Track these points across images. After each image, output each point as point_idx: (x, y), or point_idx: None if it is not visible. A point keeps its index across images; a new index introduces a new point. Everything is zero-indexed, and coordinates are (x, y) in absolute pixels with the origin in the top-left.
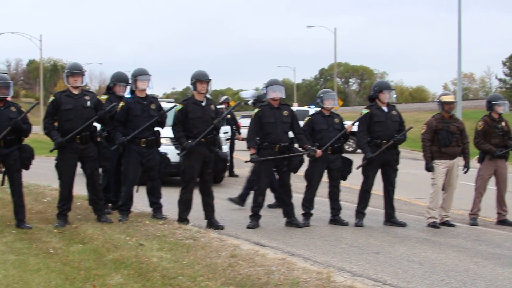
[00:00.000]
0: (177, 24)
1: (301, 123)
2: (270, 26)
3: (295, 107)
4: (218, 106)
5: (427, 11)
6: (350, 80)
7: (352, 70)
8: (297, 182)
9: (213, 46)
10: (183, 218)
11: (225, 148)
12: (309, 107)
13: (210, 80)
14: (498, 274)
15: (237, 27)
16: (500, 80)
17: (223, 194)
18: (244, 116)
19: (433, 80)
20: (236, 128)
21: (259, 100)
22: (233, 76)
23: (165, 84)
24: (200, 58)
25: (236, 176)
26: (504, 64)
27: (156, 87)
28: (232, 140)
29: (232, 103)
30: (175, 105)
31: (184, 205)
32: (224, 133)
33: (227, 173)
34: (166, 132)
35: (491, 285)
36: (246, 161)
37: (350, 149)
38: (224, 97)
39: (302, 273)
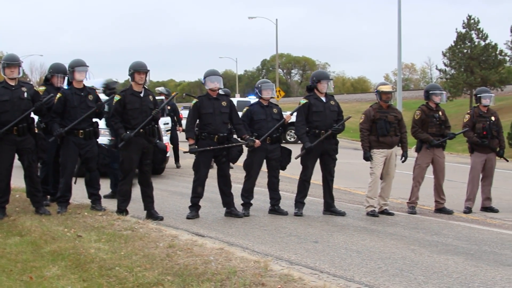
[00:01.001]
0: (119, 13)
1: (241, 114)
2: (213, 17)
3: (236, 98)
4: (158, 98)
5: (369, 1)
6: (292, 71)
7: (294, 61)
8: (237, 173)
9: (155, 37)
10: (122, 209)
11: (166, 139)
12: (249, 97)
13: (148, 70)
14: (435, 261)
15: (180, 18)
16: (440, 70)
17: (163, 185)
18: (185, 107)
19: (374, 71)
20: (177, 120)
21: (108, 87)
22: (175, 67)
23: (107, 75)
24: (142, 48)
25: (179, 167)
26: (444, 54)
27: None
28: (173, 131)
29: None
30: (113, 96)
31: (123, 196)
32: (165, 124)
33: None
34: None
35: (427, 271)
36: (185, 152)
37: (292, 139)
38: (162, 87)
39: (240, 262)
